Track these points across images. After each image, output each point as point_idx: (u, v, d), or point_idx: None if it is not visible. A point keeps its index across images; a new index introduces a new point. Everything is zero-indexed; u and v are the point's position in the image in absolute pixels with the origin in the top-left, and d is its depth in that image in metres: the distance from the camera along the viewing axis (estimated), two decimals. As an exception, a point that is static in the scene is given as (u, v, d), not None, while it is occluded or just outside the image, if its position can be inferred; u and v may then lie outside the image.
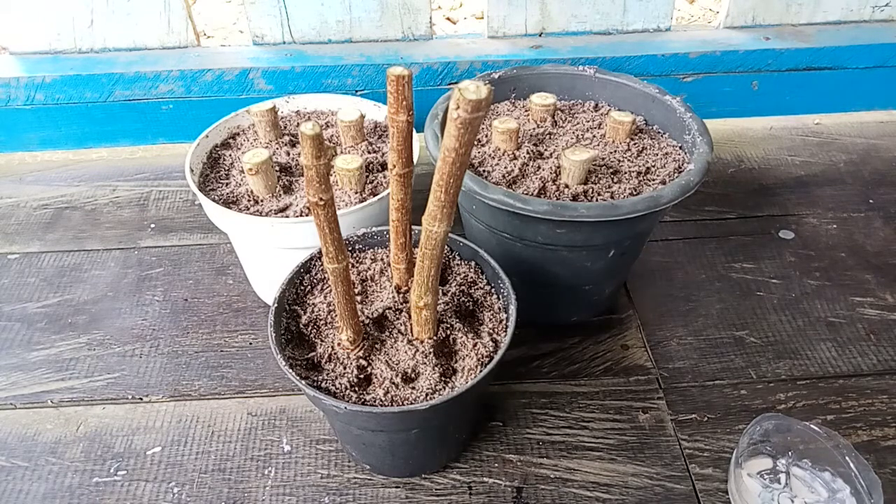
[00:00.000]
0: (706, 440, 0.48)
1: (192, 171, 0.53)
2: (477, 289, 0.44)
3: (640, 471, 0.47)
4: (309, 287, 0.44)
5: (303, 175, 0.43)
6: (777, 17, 0.76)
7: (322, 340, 0.41)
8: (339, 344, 0.40)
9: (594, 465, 0.47)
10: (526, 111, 0.57)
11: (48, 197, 0.72)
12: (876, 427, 0.49)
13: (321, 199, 0.31)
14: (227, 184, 0.54)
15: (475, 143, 0.45)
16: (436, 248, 0.34)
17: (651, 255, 0.64)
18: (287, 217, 0.50)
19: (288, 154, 0.56)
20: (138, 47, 0.73)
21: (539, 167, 0.49)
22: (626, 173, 0.49)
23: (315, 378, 0.39)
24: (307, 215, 0.49)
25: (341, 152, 0.56)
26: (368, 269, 0.45)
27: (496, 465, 0.47)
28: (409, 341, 0.40)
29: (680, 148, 0.52)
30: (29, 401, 0.52)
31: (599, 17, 0.74)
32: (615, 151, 0.51)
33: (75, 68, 0.71)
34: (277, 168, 0.54)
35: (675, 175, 0.49)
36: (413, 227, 0.41)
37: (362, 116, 0.56)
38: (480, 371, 0.38)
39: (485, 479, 0.46)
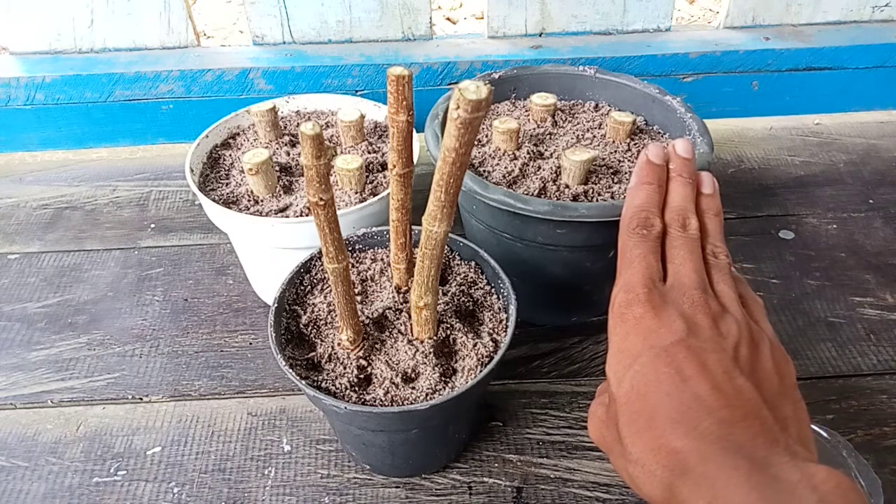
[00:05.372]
0: (706, 440, 0.48)
1: (192, 171, 0.53)
2: (477, 289, 0.44)
3: (640, 471, 0.47)
4: (309, 287, 0.44)
5: (303, 175, 0.43)
6: (777, 17, 0.76)
7: (322, 340, 0.41)
8: (339, 344, 0.40)
9: (594, 465, 0.47)
10: (526, 111, 0.57)
11: (48, 197, 0.72)
12: (876, 427, 0.49)
13: (321, 199, 0.31)
14: (227, 184, 0.54)
15: (475, 143, 0.45)
16: (436, 248, 0.34)
17: (651, 255, 0.64)
18: (287, 217, 0.50)
19: (288, 154, 0.56)
20: (138, 47, 0.73)
21: (539, 167, 0.49)
22: (626, 173, 0.49)
23: (315, 378, 0.39)
24: (307, 215, 0.49)
25: (341, 152, 0.56)
26: (368, 269, 0.45)
27: (496, 465, 0.47)
28: (409, 341, 0.40)
29: (680, 148, 0.52)
30: (29, 401, 0.52)
31: (599, 17, 0.74)
32: (615, 152, 0.51)
33: (75, 68, 0.71)
34: (277, 168, 0.54)
35: (675, 175, 0.49)
36: (413, 227, 0.41)
37: (362, 116, 0.56)
38: (480, 371, 0.38)
39: (485, 479, 0.46)
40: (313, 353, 0.40)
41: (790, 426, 0.29)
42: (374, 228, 0.47)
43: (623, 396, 0.30)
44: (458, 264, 0.46)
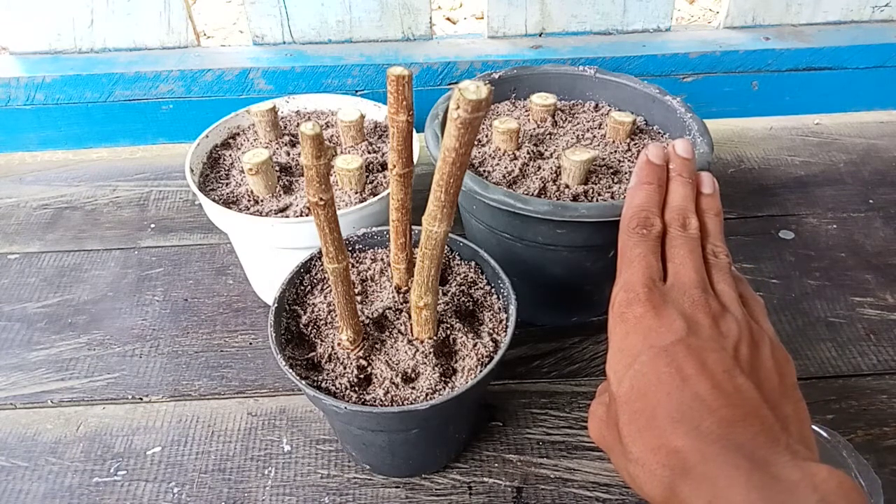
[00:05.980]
0: (706, 440, 0.48)
1: (192, 171, 0.53)
2: (477, 289, 0.44)
3: (640, 471, 0.47)
4: (309, 287, 0.44)
5: (303, 175, 0.43)
6: (777, 17, 0.76)
7: (322, 340, 0.41)
8: (339, 344, 0.40)
9: (594, 465, 0.47)
10: (526, 111, 0.57)
11: (48, 197, 0.72)
12: (876, 427, 0.49)
13: (321, 199, 0.31)
14: (227, 184, 0.54)
15: (475, 143, 0.45)
16: (436, 248, 0.34)
17: (651, 255, 0.64)
18: (287, 217, 0.50)
19: (288, 154, 0.56)
20: (138, 47, 0.73)
21: (539, 167, 0.49)
22: (626, 173, 0.49)
23: (315, 378, 0.39)
24: (307, 215, 0.49)
25: (341, 152, 0.56)
26: (368, 269, 0.45)
27: (496, 465, 0.47)
28: (409, 341, 0.40)
29: (680, 148, 0.52)
30: (29, 401, 0.52)
31: (599, 17, 0.74)
32: (615, 152, 0.51)
33: (75, 68, 0.71)
34: (277, 168, 0.54)
35: (675, 175, 0.49)
36: (413, 227, 0.41)
37: (362, 116, 0.56)
38: (480, 371, 0.38)
39: (485, 479, 0.46)
40: (313, 353, 0.40)
41: (791, 425, 0.29)
42: (374, 228, 0.47)
43: (623, 396, 0.30)
44: (458, 264, 0.46)
